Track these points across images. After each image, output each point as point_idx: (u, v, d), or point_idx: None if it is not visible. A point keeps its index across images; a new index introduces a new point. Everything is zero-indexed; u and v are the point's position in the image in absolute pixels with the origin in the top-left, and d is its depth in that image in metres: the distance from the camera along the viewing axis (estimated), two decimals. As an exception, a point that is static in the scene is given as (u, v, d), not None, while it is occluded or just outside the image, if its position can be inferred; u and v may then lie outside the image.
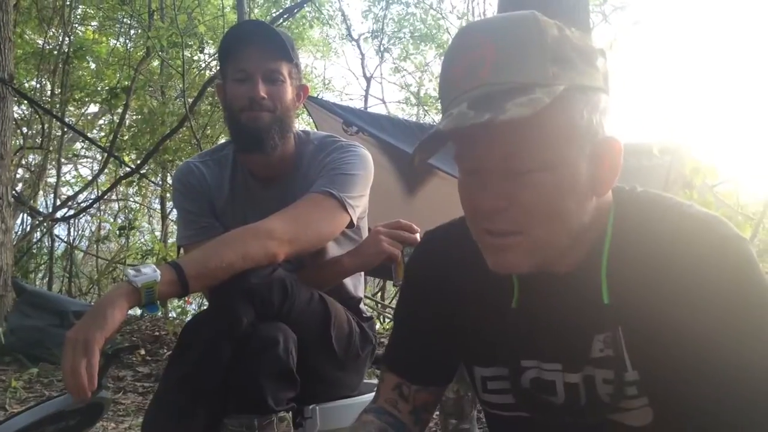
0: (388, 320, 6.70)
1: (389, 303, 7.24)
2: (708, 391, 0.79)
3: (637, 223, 0.86)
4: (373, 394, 1.69)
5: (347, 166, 1.58)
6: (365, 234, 1.74)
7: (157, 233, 8.58)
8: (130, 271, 1.28)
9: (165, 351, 4.60)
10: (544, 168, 0.79)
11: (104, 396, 1.43)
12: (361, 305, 1.74)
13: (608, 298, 0.85)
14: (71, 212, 7.63)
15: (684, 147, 3.38)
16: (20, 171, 8.66)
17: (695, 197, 2.84)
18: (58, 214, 7.40)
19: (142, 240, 8.34)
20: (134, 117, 8.26)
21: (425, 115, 10.75)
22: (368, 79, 11.68)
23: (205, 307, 1.49)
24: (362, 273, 1.78)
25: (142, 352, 4.52)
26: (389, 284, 7.66)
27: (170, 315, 6.50)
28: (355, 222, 1.58)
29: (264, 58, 1.55)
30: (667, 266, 0.81)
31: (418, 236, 1.69)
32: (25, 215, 7.49)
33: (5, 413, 3.01)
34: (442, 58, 0.86)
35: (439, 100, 0.86)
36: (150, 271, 1.27)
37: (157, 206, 8.61)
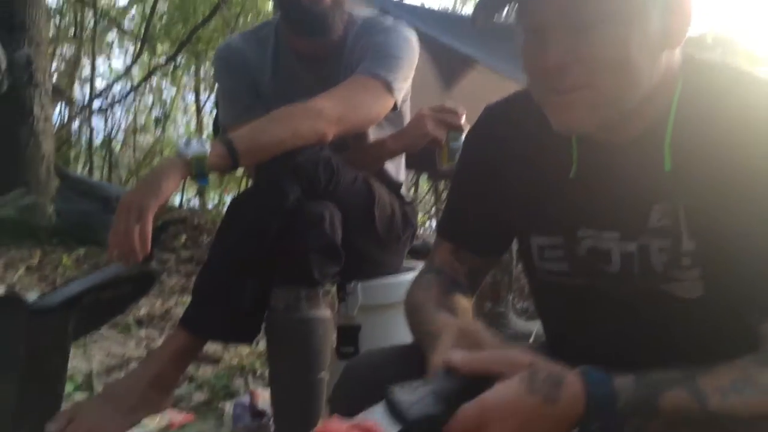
0: (422, 214, 6.77)
1: (422, 198, 7.28)
2: (763, 266, 0.78)
3: (706, 91, 0.82)
4: (413, 273, 1.73)
5: (394, 49, 1.55)
6: (407, 119, 1.73)
7: (192, 126, 8.62)
8: (181, 144, 1.30)
9: (205, 238, 4.74)
10: (609, 19, 0.76)
11: (155, 267, 1.49)
12: (402, 190, 1.74)
13: (670, 165, 0.83)
14: (107, 103, 7.68)
15: (737, 37, 3.23)
16: (55, 63, 8.67)
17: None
18: (95, 105, 7.46)
19: (178, 133, 8.41)
20: (166, 6, 8.12)
21: (463, 5, 10.36)
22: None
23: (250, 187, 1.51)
24: (403, 159, 1.77)
25: (183, 238, 4.67)
26: (422, 180, 7.65)
27: (208, 206, 6.64)
28: (398, 105, 1.57)
29: None
30: (733, 136, 0.79)
31: (463, 119, 1.67)
32: (63, 106, 7.55)
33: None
34: None
35: None
36: (200, 145, 1.29)
37: (191, 99, 8.61)
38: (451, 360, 0.76)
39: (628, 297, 0.91)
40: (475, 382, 0.74)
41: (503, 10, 0.81)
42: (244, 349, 2.53)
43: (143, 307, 3.09)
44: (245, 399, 1.95)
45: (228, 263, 1.35)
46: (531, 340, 2.13)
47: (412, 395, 0.74)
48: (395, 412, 0.72)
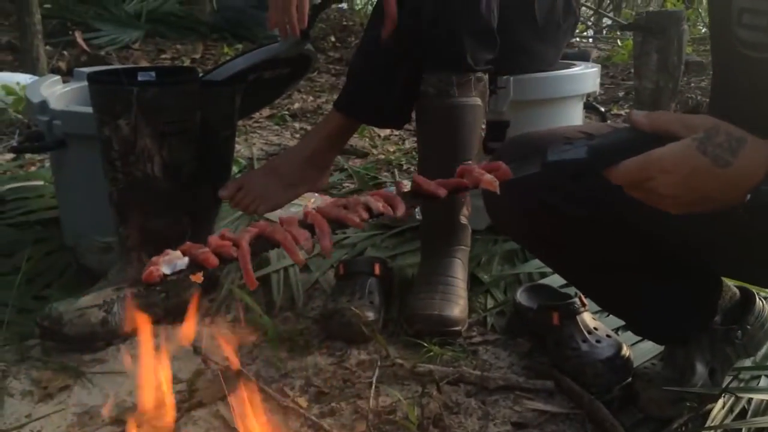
0: (580, 23, 6.31)
1: (584, 3, 6.75)
2: None
3: None
4: (569, 71, 1.65)
5: None
6: None
7: None
8: None
9: (353, 39, 4.74)
10: None
11: (311, 49, 1.52)
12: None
13: None
14: None
15: None
16: None
17: None
18: None
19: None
20: None
21: None
22: None
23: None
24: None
25: (332, 39, 4.70)
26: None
27: (356, 6, 6.57)
28: None
29: None
30: None
31: None
32: None
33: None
34: None
35: None
36: None
37: None
38: (632, 115, 0.74)
39: None
40: (646, 143, 0.72)
41: None
42: (391, 146, 2.61)
43: (296, 103, 3.23)
44: (392, 189, 2.03)
45: (380, 46, 1.35)
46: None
47: (567, 147, 0.74)
48: (543, 158, 0.73)
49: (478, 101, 1.35)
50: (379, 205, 0.73)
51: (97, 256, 1.45)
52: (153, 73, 1.35)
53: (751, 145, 0.69)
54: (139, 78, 1.32)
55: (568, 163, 0.72)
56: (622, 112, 2.98)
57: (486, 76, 1.37)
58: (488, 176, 0.72)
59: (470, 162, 1.37)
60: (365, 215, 0.72)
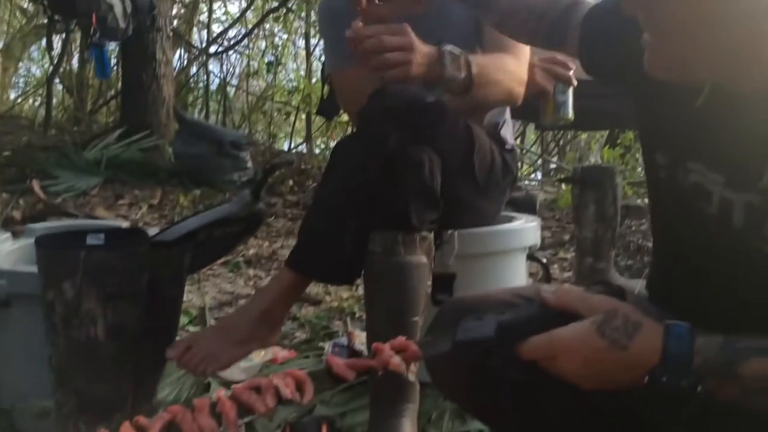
0: (527, 166, 6.64)
1: (530, 148, 7.13)
2: None
3: None
4: (511, 224, 1.73)
5: None
6: None
7: (302, 72, 8.76)
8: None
9: (311, 183, 4.87)
10: None
11: (262, 208, 1.57)
12: (504, 132, 1.70)
13: None
14: (223, 47, 7.93)
15: None
16: (175, 8, 8.98)
17: None
18: (211, 50, 7.72)
19: (288, 78, 8.57)
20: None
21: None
22: None
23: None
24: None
25: (290, 183, 4.83)
26: (529, 130, 7.47)
27: (315, 151, 6.80)
28: None
29: None
30: None
31: (572, 72, 1.63)
32: (182, 50, 7.86)
33: (175, 227, 3.38)
34: None
35: None
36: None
37: (302, 44, 8.71)
38: (542, 292, 0.78)
39: (723, 245, 0.86)
40: (553, 320, 0.75)
41: None
42: (345, 293, 2.62)
43: (252, 248, 3.25)
44: (343, 339, 2.03)
45: (330, 207, 1.40)
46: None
47: (477, 324, 0.77)
48: (453, 337, 0.76)
49: (423, 259, 1.40)
50: (287, 392, 0.75)
51: (34, 421, 1.39)
52: (102, 235, 1.37)
53: (647, 329, 0.73)
54: (88, 241, 1.33)
55: (478, 341, 0.75)
56: (568, 256, 3.09)
57: (431, 235, 1.42)
58: (396, 359, 0.76)
59: (416, 318, 1.40)
60: (272, 403, 0.74)
